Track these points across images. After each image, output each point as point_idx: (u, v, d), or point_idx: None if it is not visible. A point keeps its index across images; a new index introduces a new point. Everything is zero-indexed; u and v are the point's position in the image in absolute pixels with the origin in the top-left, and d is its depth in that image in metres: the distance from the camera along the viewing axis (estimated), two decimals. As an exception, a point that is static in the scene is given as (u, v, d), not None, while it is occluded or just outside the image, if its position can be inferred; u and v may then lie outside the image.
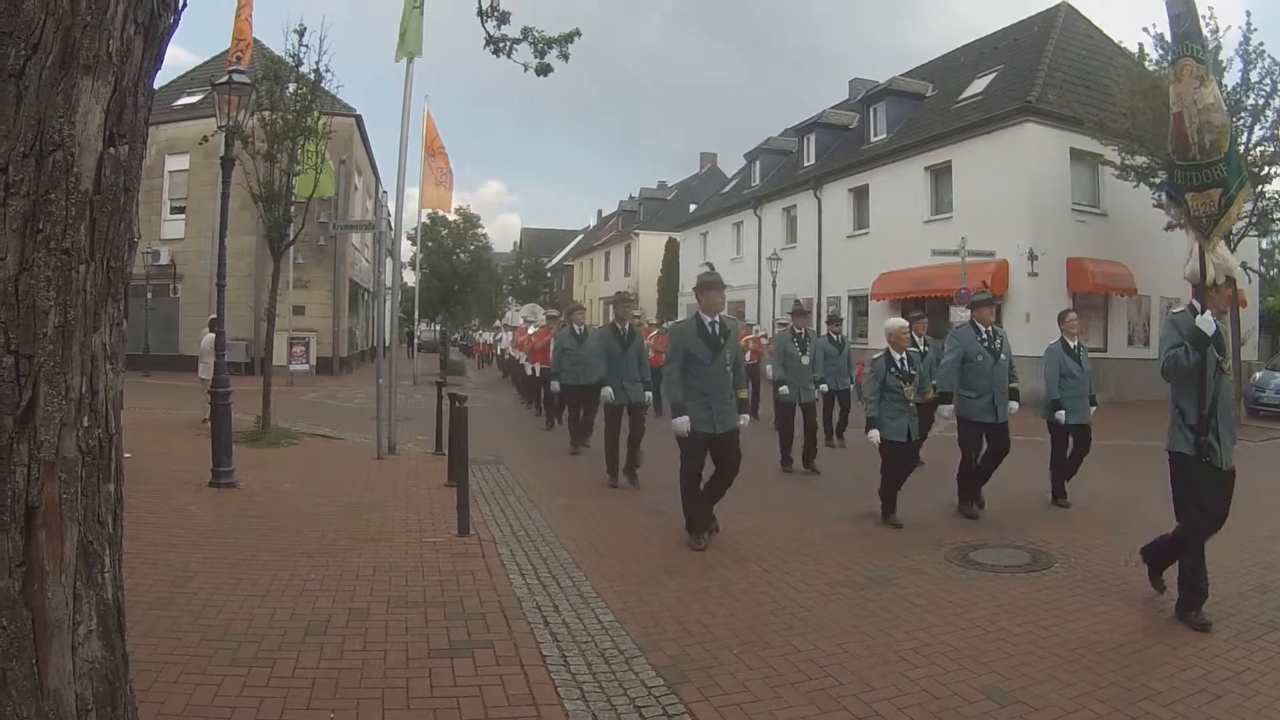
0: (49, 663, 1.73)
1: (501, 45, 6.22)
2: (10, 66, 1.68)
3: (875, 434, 6.66)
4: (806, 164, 28.73)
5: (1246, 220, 16.26)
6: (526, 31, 6.27)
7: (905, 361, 6.83)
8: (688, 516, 6.05)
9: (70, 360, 1.77)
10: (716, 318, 6.13)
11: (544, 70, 6.40)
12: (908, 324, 7.28)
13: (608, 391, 8.28)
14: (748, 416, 6.56)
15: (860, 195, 24.75)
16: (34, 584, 1.71)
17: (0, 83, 1.68)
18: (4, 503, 1.68)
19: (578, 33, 6.44)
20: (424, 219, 25.91)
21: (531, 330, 15.81)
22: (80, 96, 1.75)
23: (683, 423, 5.88)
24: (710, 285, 6.22)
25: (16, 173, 1.68)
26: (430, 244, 28.10)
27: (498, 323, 38.06)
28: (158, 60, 1.90)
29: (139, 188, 1.96)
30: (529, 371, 15.19)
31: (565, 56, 6.44)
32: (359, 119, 26.01)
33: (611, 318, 9.00)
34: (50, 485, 1.74)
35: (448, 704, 3.31)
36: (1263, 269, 21.93)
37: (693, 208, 41.50)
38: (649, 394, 8.73)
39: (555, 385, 10.35)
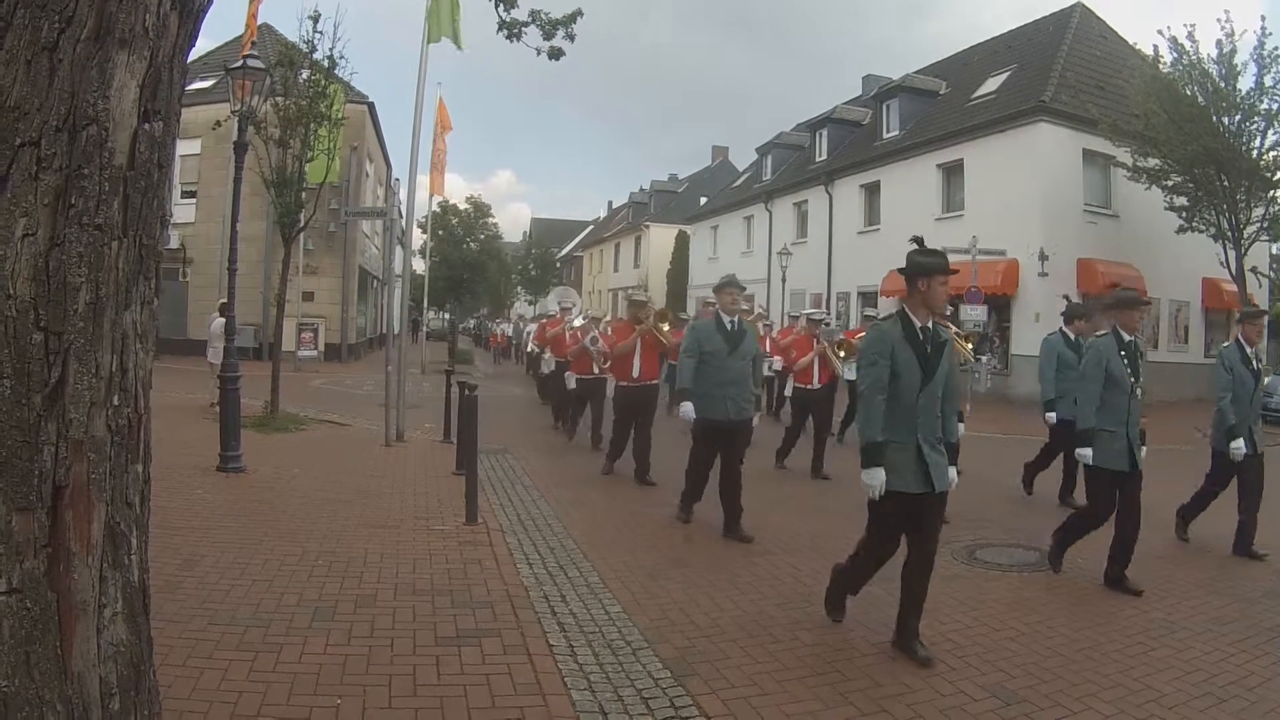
0: (73, 645, 1.72)
1: (513, 30, 6.32)
2: (44, 39, 1.65)
3: None
4: (818, 159, 28.66)
5: (1258, 225, 16.17)
6: (534, 15, 6.38)
7: None
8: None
9: (101, 338, 1.74)
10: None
11: (556, 54, 6.50)
12: None
13: (877, 476, 3.89)
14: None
15: (872, 191, 24.70)
16: (60, 565, 1.69)
17: (33, 55, 1.65)
18: (31, 482, 1.65)
19: (580, 12, 6.53)
20: (435, 207, 25.92)
21: (578, 322, 11.07)
22: (115, 71, 1.72)
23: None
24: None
25: (49, 147, 1.65)
26: (440, 232, 28.04)
27: (518, 314, 37.21)
28: (192, 37, 1.88)
29: (172, 165, 1.93)
30: (556, 380, 11.15)
31: (571, 37, 6.55)
32: (371, 106, 25.99)
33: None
34: (78, 465, 1.72)
35: (454, 691, 3.32)
36: (1273, 273, 21.76)
37: (704, 201, 41.42)
38: (955, 472, 4.15)
39: (690, 411, 6.20)
